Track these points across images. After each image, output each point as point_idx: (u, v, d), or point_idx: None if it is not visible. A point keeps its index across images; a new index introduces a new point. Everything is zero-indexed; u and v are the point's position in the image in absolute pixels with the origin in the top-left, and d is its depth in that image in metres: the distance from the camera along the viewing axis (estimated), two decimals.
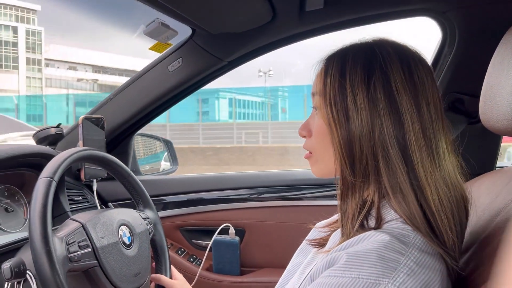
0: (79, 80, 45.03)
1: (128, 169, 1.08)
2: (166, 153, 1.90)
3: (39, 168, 1.13)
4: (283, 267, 0.79)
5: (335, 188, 0.65)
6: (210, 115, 18.57)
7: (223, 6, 1.08)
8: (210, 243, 1.43)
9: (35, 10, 49.32)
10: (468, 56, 1.19)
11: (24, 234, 1.10)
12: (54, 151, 1.24)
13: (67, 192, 1.27)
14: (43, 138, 1.34)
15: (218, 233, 1.43)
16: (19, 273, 0.80)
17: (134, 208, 1.10)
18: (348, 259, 0.53)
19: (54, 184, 0.82)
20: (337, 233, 0.64)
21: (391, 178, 0.58)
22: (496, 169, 1.23)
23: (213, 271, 1.46)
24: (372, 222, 0.59)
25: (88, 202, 1.37)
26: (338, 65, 0.63)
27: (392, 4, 1.15)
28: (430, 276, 0.52)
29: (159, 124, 12.65)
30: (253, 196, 1.47)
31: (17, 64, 46.76)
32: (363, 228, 0.58)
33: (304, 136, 0.71)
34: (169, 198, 1.54)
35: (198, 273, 1.43)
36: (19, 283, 0.81)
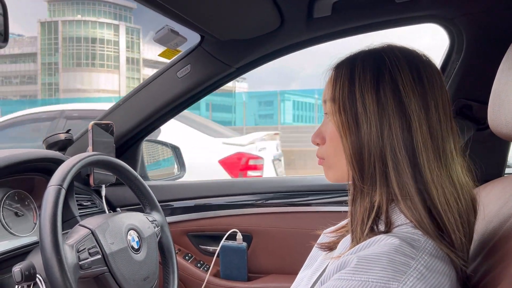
0: None
1: (135, 173, 1.09)
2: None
3: (49, 173, 1.15)
4: (291, 273, 0.79)
5: (343, 194, 0.66)
6: (274, 118, 17.14)
7: (232, 13, 1.09)
8: (218, 248, 1.44)
9: (131, 8, 48.60)
10: (476, 63, 1.19)
11: (34, 238, 1.11)
12: (63, 156, 1.26)
13: (76, 197, 1.28)
14: (53, 144, 1.36)
15: (225, 239, 1.43)
16: (29, 276, 0.81)
17: (142, 212, 1.11)
18: (358, 262, 0.53)
19: (63, 191, 0.83)
20: (347, 239, 0.65)
21: (399, 181, 0.59)
22: (505, 175, 1.22)
23: (221, 276, 1.46)
24: (382, 227, 0.59)
25: (96, 207, 1.38)
26: (348, 71, 0.64)
27: (400, 10, 1.15)
28: (440, 280, 0.52)
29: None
30: (260, 202, 1.47)
31: (117, 64, 46.35)
32: (373, 232, 0.59)
33: (317, 144, 0.72)
34: (176, 204, 1.55)
35: (206, 278, 1.43)
36: (29, 286, 0.82)
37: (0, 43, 0.77)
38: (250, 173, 3.44)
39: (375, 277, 0.51)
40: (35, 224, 1.15)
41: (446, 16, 1.17)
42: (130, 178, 1.09)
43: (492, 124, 0.67)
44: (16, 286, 0.81)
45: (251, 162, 3.47)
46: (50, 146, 1.36)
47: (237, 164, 3.41)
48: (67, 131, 1.39)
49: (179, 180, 1.81)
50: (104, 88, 43.87)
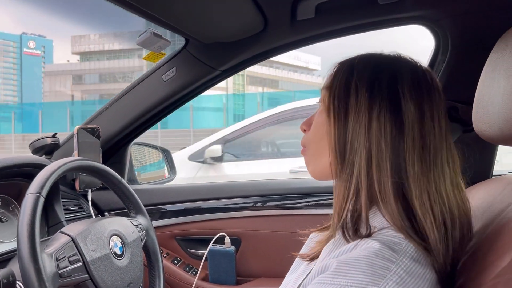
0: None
1: (119, 177, 1.08)
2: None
3: (33, 178, 1.14)
4: (280, 276, 0.78)
5: (332, 196, 0.65)
6: None
7: (215, 17, 1.08)
8: (206, 252, 1.43)
9: None
10: (461, 64, 1.18)
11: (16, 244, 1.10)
12: (48, 161, 1.25)
13: (62, 201, 1.27)
14: (39, 148, 1.35)
15: (213, 243, 1.42)
16: (8, 284, 0.80)
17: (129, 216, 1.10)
18: (338, 266, 0.53)
19: (41, 199, 0.82)
20: (329, 245, 0.64)
21: (380, 184, 0.58)
22: (493, 177, 1.22)
23: (209, 280, 1.45)
24: (363, 230, 0.59)
25: (84, 211, 1.37)
26: (349, 65, 0.66)
27: (383, 12, 1.14)
28: (419, 285, 0.52)
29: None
30: (250, 205, 1.46)
31: None
32: (356, 235, 0.58)
33: (304, 131, 0.72)
34: (166, 207, 1.54)
35: (194, 283, 1.42)
36: None
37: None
38: None
39: (354, 281, 0.51)
40: None
41: (431, 18, 1.16)
42: (114, 182, 1.08)
43: (476, 126, 0.67)
44: None
45: None
46: (36, 151, 1.35)
47: None
48: (53, 135, 1.38)
49: (169, 183, 1.80)
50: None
